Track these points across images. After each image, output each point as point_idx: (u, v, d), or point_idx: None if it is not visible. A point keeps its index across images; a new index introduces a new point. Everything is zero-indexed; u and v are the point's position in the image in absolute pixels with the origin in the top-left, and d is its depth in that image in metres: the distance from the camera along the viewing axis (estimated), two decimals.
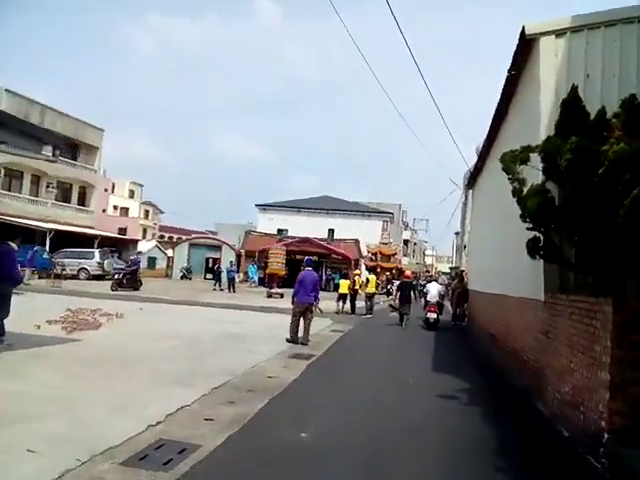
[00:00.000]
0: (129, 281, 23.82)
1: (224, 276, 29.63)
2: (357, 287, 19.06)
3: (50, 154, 36.25)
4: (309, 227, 42.67)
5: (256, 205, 49.64)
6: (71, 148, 41.21)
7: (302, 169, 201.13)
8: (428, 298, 16.22)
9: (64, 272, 29.27)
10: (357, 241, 38.75)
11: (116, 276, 24.11)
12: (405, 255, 56.68)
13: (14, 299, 14.57)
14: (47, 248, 32.01)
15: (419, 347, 11.33)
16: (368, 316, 18.06)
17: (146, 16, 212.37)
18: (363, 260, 37.88)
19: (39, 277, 26.31)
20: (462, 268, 26.80)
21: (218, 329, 11.09)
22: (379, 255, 39.41)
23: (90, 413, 4.61)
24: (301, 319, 10.02)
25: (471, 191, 20.29)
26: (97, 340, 8.33)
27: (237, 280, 38.23)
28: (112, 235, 41.06)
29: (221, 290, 27.06)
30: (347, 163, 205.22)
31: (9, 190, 35.73)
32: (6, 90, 34.77)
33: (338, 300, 18.77)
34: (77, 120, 40.88)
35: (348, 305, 18.80)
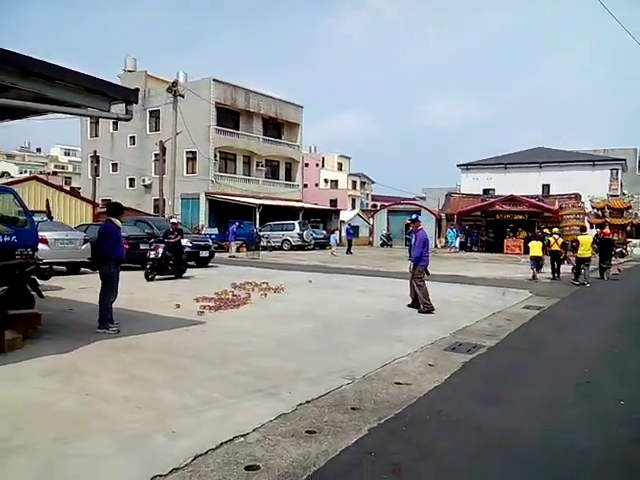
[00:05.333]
0: (170, 264, 13.80)
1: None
2: (554, 248, 15.81)
3: (260, 134, 38.51)
4: (519, 185, 37.82)
5: (458, 165, 46.11)
6: (275, 127, 43.61)
7: (522, 123, 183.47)
8: None
9: (269, 244, 31.02)
10: (577, 196, 32.79)
11: (151, 254, 13.43)
12: None
13: (199, 271, 15.80)
14: (257, 223, 34.32)
15: None
16: (586, 285, 14.49)
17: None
18: (586, 217, 31.87)
19: (247, 249, 27.97)
20: None
21: (378, 307, 9.58)
22: (606, 210, 32.72)
23: (84, 446, 3.34)
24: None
25: None
26: (222, 324, 7.51)
27: (439, 246, 36.18)
28: (315, 207, 42.40)
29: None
30: (571, 111, 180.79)
31: (225, 172, 39.23)
32: (214, 80, 38.01)
33: (532, 265, 15.78)
34: (278, 100, 42.91)
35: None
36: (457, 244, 31.74)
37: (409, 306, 9.51)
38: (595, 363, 6.15)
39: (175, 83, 30.25)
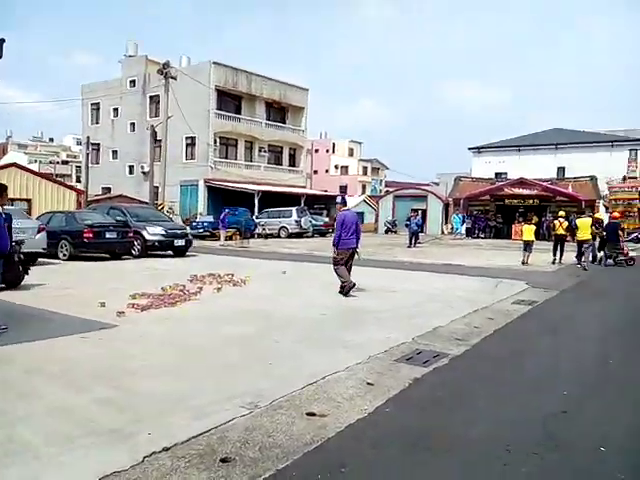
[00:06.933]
0: None
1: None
2: (559, 232, 15.84)
3: (263, 118, 36.99)
4: (533, 168, 35.95)
5: (469, 148, 44.26)
6: (279, 111, 42.19)
7: (538, 106, 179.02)
8: None
9: (265, 231, 29.85)
10: (593, 178, 31.01)
11: None
12: None
13: (167, 261, 14.37)
14: (256, 210, 33.11)
15: None
16: (586, 269, 14.27)
17: None
18: (602, 201, 30.13)
19: (243, 237, 26.77)
20: None
21: (341, 302, 8.40)
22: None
23: None
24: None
25: None
26: (135, 328, 6.24)
27: (445, 232, 34.77)
28: (318, 193, 41.10)
29: (415, 245, 23.76)
30: (590, 92, 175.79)
31: (226, 157, 37.99)
32: (214, 63, 36.69)
33: (524, 249, 15.39)
34: (282, 83, 41.46)
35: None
36: (463, 230, 30.31)
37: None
38: (580, 382, 4.81)
39: (166, 64, 28.98)
